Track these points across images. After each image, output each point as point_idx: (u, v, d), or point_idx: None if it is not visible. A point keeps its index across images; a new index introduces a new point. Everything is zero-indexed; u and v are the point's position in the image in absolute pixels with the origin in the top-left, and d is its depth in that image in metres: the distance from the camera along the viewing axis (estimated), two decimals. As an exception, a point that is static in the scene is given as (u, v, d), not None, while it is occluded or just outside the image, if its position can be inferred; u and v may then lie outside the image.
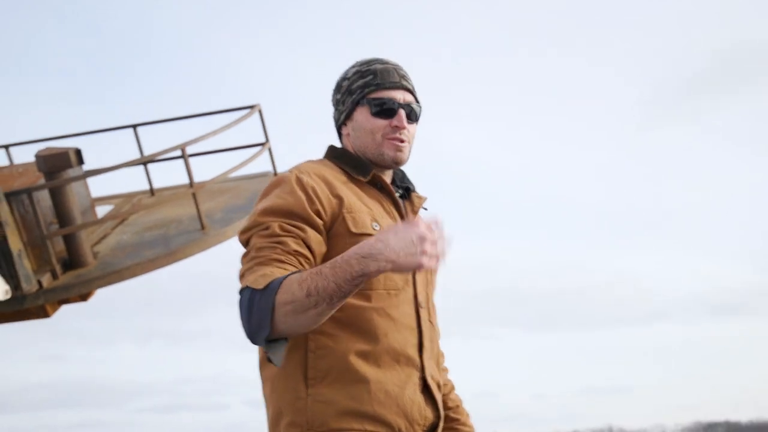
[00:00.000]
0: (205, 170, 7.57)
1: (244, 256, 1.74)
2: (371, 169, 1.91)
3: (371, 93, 1.91)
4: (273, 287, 1.54)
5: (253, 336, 1.60)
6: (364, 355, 1.75)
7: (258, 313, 1.56)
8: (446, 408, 2.03)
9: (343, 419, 1.71)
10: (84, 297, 6.85)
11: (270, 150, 7.97)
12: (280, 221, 1.73)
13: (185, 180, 7.76)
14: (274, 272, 1.60)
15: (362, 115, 1.92)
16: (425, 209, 2.06)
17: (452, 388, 2.10)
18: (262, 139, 7.94)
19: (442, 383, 1.96)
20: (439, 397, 1.86)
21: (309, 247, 1.73)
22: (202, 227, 6.83)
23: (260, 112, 7.82)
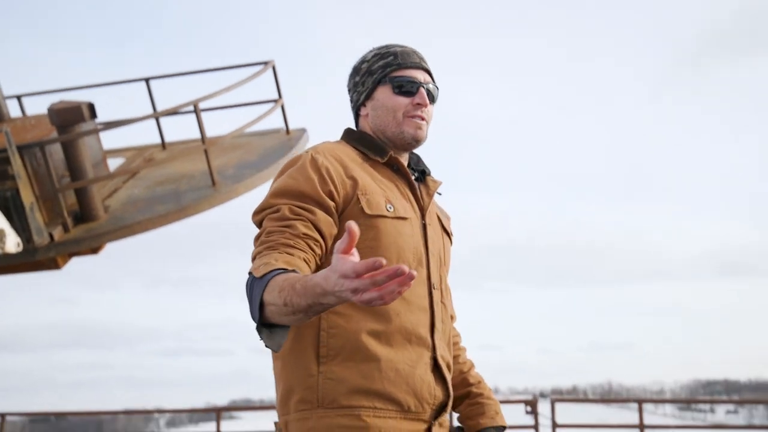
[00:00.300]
0: (216, 125, 7.57)
1: (256, 238, 1.76)
2: (388, 151, 1.92)
3: (393, 72, 1.94)
4: (265, 281, 1.54)
5: (252, 318, 1.61)
6: (376, 335, 1.76)
7: (253, 301, 1.57)
8: (468, 384, 2.07)
9: (354, 397, 1.73)
10: (95, 250, 6.90)
11: (283, 107, 7.94)
12: (290, 204, 1.75)
13: (196, 134, 7.73)
14: (278, 261, 1.61)
15: (384, 94, 1.95)
16: (439, 193, 2.06)
17: (471, 365, 2.12)
18: (275, 96, 7.90)
19: (452, 364, 1.97)
20: (449, 377, 1.88)
21: (318, 230, 1.74)
22: (213, 183, 6.83)
23: (274, 68, 7.75)
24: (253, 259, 1.70)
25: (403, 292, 1.30)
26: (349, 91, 2.05)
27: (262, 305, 1.54)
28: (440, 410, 1.86)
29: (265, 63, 7.76)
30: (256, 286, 1.57)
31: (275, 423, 1.85)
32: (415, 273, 1.24)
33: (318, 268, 1.78)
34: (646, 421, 8.64)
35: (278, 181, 1.83)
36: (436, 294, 1.89)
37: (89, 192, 6.48)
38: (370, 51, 2.01)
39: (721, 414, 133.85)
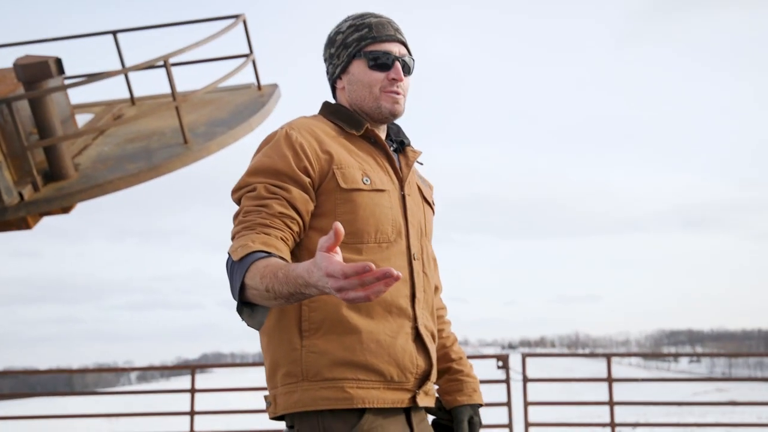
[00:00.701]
0: (186, 80, 7.41)
1: (235, 217, 1.79)
2: (364, 124, 1.93)
3: (367, 46, 1.94)
4: (245, 264, 1.57)
5: (233, 298, 1.63)
6: (356, 308, 1.79)
7: (234, 283, 1.60)
8: (449, 360, 2.10)
9: (336, 369, 1.76)
10: (66, 210, 6.81)
11: (254, 62, 7.81)
12: (266, 182, 1.77)
13: (165, 89, 7.60)
14: (255, 242, 1.63)
15: (359, 69, 1.94)
16: (420, 163, 2.08)
17: (455, 340, 2.14)
18: (246, 51, 7.77)
19: (436, 333, 2.00)
20: (432, 346, 1.90)
21: (294, 207, 1.76)
22: (185, 141, 6.75)
23: (245, 22, 7.61)
24: (232, 238, 1.73)
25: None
26: (324, 61, 2.04)
27: (243, 287, 1.57)
28: (424, 379, 1.89)
29: (236, 17, 7.61)
30: (236, 268, 1.60)
31: (265, 396, 1.88)
32: (400, 275, 1.24)
33: (297, 244, 1.81)
34: (613, 371, 8.84)
35: (254, 160, 1.86)
36: (416, 264, 1.91)
37: (59, 150, 6.36)
38: (345, 21, 1.99)
39: (684, 363, 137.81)
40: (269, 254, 1.60)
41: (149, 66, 6.76)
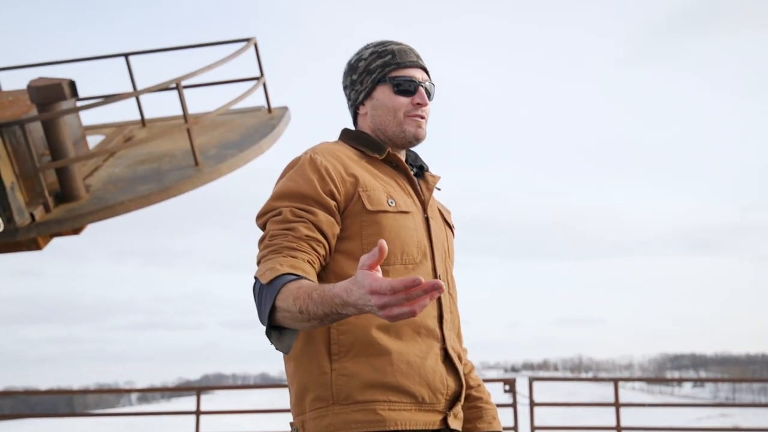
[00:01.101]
0: (197, 102, 7.48)
1: (260, 241, 1.79)
2: (386, 148, 1.95)
3: (392, 72, 1.97)
4: (276, 287, 1.57)
5: (261, 322, 1.64)
6: (385, 329, 1.78)
7: (263, 307, 1.60)
8: (468, 387, 2.08)
9: (368, 391, 1.75)
10: (76, 231, 6.83)
11: (264, 85, 7.87)
12: (291, 206, 1.78)
13: (175, 111, 7.65)
14: (283, 265, 1.63)
15: (383, 94, 1.97)
16: (438, 189, 2.09)
17: (472, 367, 2.13)
18: (257, 74, 7.83)
19: (462, 355, 2.00)
20: (460, 367, 1.90)
21: (320, 230, 1.77)
22: (196, 163, 6.78)
23: (256, 45, 7.68)
24: (258, 262, 1.74)
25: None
26: (345, 88, 2.06)
27: (272, 310, 1.57)
28: (454, 400, 1.88)
29: (247, 40, 7.67)
30: (266, 291, 1.60)
31: (291, 423, 1.87)
32: (445, 286, 1.26)
33: (323, 267, 1.81)
34: (618, 396, 8.82)
35: (279, 184, 1.86)
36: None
37: (70, 171, 6.39)
38: (366, 48, 2.02)
39: (688, 387, 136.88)
40: (299, 277, 1.60)
41: (162, 88, 6.81)
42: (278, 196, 1.82)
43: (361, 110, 2.01)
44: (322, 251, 1.77)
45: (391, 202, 1.86)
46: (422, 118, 1.97)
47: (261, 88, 7.85)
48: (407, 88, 1.95)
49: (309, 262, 1.72)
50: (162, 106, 8.63)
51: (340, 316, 1.48)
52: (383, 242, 1.31)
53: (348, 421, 1.75)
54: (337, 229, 1.81)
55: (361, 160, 1.93)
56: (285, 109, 8.22)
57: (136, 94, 6.95)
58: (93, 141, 7.67)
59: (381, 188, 1.87)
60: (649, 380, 10.09)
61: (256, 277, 1.67)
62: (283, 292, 1.55)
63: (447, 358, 1.87)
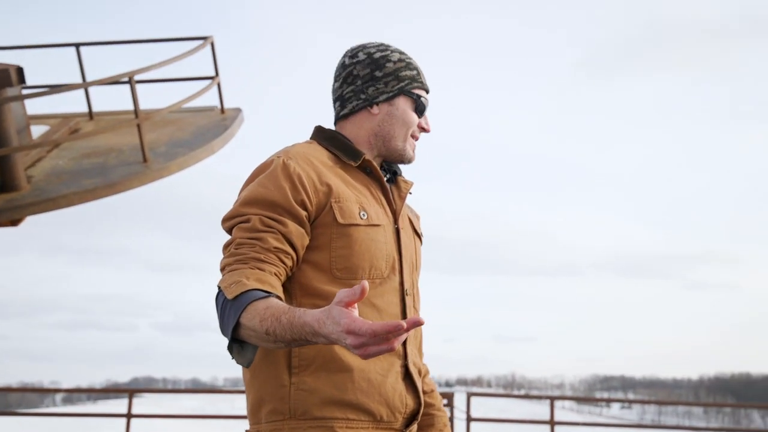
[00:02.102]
0: (148, 98, 7.30)
1: (226, 247, 1.73)
2: (362, 155, 1.89)
3: (417, 88, 1.96)
4: (241, 303, 1.53)
5: (222, 334, 1.59)
6: None
7: (226, 321, 1.55)
8: (422, 392, 2.04)
9: (326, 408, 1.71)
10: (15, 222, 6.60)
11: (219, 85, 7.78)
12: (261, 214, 1.71)
13: (126, 106, 7.48)
14: (249, 278, 1.59)
15: (405, 106, 1.95)
16: (411, 193, 2.04)
17: (427, 372, 2.10)
18: (212, 73, 7.73)
19: (422, 369, 1.98)
20: (419, 384, 1.87)
21: (290, 242, 1.71)
22: (145, 160, 6.63)
23: (212, 44, 7.58)
24: (222, 269, 1.68)
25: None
26: (355, 77, 1.95)
27: (237, 326, 1.52)
28: (411, 419, 1.86)
29: (204, 38, 7.57)
30: (230, 307, 1.54)
31: (246, 431, 1.81)
32: (424, 321, 1.25)
33: (288, 279, 1.76)
34: (546, 412, 8.95)
35: (248, 188, 1.78)
36: (408, 300, 1.88)
37: (12, 160, 6.17)
38: (390, 51, 1.96)
39: (616, 408, 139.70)
40: (267, 293, 1.55)
41: (114, 81, 6.66)
42: (247, 201, 1.74)
43: (374, 109, 1.93)
44: (289, 263, 1.71)
45: (363, 215, 1.80)
46: (417, 141, 2.00)
47: (215, 88, 7.75)
48: (422, 111, 1.97)
49: (276, 275, 1.66)
50: (111, 101, 8.46)
51: (309, 343, 1.45)
52: (365, 284, 1.29)
53: None
54: (306, 241, 1.75)
55: (335, 166, 1.86)
56: (238, 110, 8.12)
57: (85, 85, 6.78)
58: (37, 131, 7.45)
59: (354, 199, 1.82)
60: (582, 399, 10.25)
61: (219, 287, 1.61)
62: (249, 311, 1.50)
63: (408, 376, 1.84)
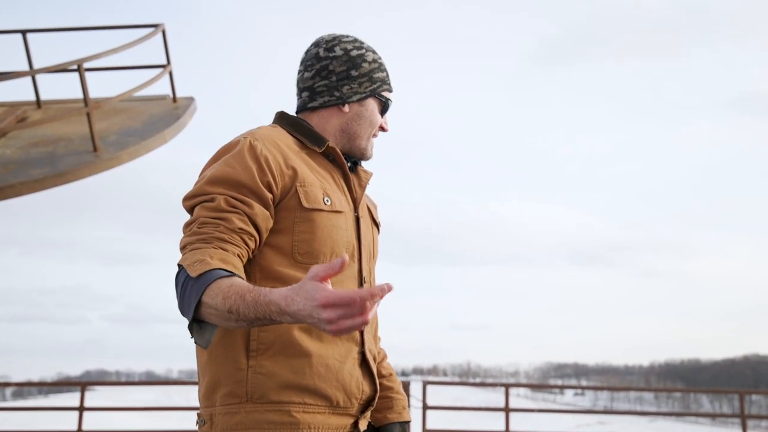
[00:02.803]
0: (98, 87, 7.16)
1: (187, 225, 1.70)
2: (326, 141, 1.90)
3: (385, 91, 2.01)
4: (204, 282, 1.51)
5: (182, 314, 1.58)
6: (307, 330, 1.75)
7: (187, 299, 1.54)
8: (380, 376, 2.08)
9: (284, 392, 1.71)
10: (-40, 213, 6.43)
11: (171, 73, 7.67)
12: (226, 194, 1.70)
13: (74, 94, 7.33)
14: (213, 258, 1.57)
15: (373, 107, 2.00)
16: (369, 184, 2.07)
17: (384, 356, 2.13)
18: (163, 61, 7.61)
19: (377, 356, 2.00)
20: (375, 370, 1.90)
21: (254, 224, 1.70)
22: (95, 149, 6.50)
23: (164, 32, 7.48)
24: (183, 247, 1.66)
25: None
26: (331, 73, 1.96)
27: (198, 305, 1.51)
28: (367, 404, 1.88)
29: (155, 26, 7.45)
30: (192, 284, 1.53)
31: (198, 414, 1.80)
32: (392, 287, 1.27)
33: (249, 261, 1.75)
34: (501, 400, 9.07)
35: (214, 167, 1.77)
36: (366, 287, 1.88)
37: (-44, 149, 6.02)
38: (366, 49, 1.99)
39: (569, 395, 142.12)
40: (231, 273, 1.54)
41: (61, 69, 6.51)
42: (213, 180, 1.72)
43: (345, 108, 1.95)
44: (252, 245, 1.71)
45: (327, 201, 1.81)
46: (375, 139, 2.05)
47: (167, 76, 7.64)
48: (386, 112, 2.03)
49: (239, 256, 1.65)
50: (60, 89, 8.25)
51: (273, 323, 1.44)
52: (345, 257, 1.30)
53: (260, 420, 1.70)
54: (270, 224, 1.75)
55: (301, 152, 1.87)
56: (191, 99, 8.02)
57: (32, 72, 6.63)
58: (-18, 119, 7.26)
59: (318, 184, 1.82)
60: (537, 387, 10.41)
61: (180, 265, 1.60)
62: (213, 289, 1.49)
63: (364, 362, 1.86)
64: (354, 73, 1.95)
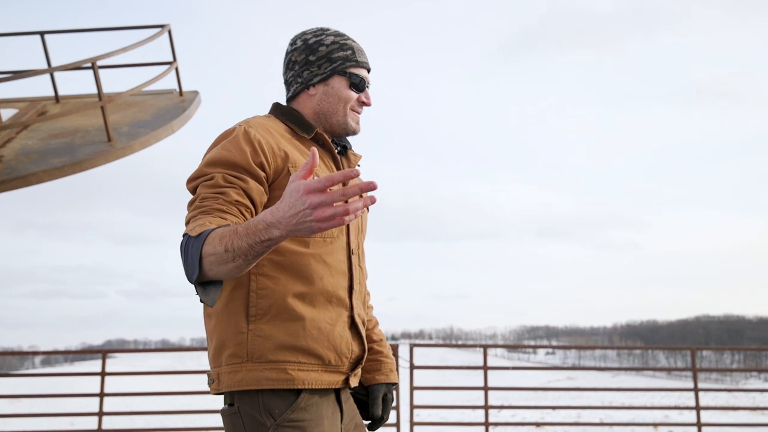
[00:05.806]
0: (110, 82, 7.12)
1: (190, 204, 1.72)
2: (314, 128, 1.93)
3: (350, 67, 1.96)
4: (203, 237, 1.53)
5: (188, 277, 1.59)
6: (300, 296, 1.79)
7: (190, 258, 1.54)
8: (371, 341, 2.12)
9: (280, 352, 1.75)
10: (-13, 199, 6.38)
11: (177, 69, 7.61)
12: (223, 172, 1.73)
13: (89, 89, 7.27)
14: (212, 222, 1.59)
15: (339, 84, 1.96)
16: (359, 166, 2.07)
17: (376, 323, 2.16)
18: (170, 59, 7.55)
19: (366, 320, 2.03)
20: (364, 333, 1.93)
21: (250, 197, 1.73)
22: (109, 139, 6.47)
23: (170, 32, 7.40)
24: (187, 222, 1.67)
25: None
26: (294, 63, 1.98)
27: (201, 259, 1.52)
28: (356, 363, 1.91)
29: (162, 26, 7.38)
30: (193, 243, 1.54)
31: (208, 373, 1.84)
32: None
33: None
34: (480, 359, 9.15)
35: (212, 152, 1.79)
36: (354, 259, 1.94)
37: (-18, 141, 5.96)
38: (325, 34, 1.97)
39: (542, 354, 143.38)
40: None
41: (76, 67, 6.45)
42: (211, 162, 1.75)
43: (312, 91, 1.96)
44: (248, 216, 1.72)
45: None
46: (359, 114, 2.01)
47: (173, 72, 7.58)
48: (359, 86, 1.97)
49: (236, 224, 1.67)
50: (75, 85, 8.18)
51: (263, 246, 1.44)
52: (314, 149, 1.33)
53: (260, 377, 1.75)
54: (265, 198, 1.77)
55: (292, 138, 1.90)
56: (196, 93, 7.97)
57: (50, 70, 6.55)
58: (6, 114, 7.19)
59: None
60: (512, 347, 10.48)
61: (185, 234, 1.60)
62: (210, 236, 1.51)
63: (353, 325, 1.89)
64: (312, 57, 1.96)
